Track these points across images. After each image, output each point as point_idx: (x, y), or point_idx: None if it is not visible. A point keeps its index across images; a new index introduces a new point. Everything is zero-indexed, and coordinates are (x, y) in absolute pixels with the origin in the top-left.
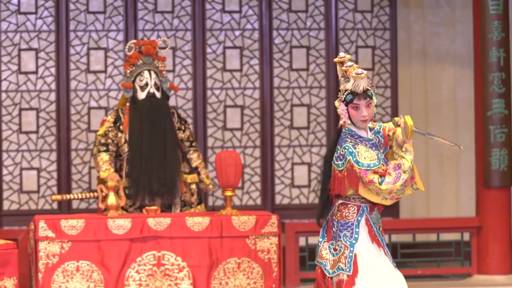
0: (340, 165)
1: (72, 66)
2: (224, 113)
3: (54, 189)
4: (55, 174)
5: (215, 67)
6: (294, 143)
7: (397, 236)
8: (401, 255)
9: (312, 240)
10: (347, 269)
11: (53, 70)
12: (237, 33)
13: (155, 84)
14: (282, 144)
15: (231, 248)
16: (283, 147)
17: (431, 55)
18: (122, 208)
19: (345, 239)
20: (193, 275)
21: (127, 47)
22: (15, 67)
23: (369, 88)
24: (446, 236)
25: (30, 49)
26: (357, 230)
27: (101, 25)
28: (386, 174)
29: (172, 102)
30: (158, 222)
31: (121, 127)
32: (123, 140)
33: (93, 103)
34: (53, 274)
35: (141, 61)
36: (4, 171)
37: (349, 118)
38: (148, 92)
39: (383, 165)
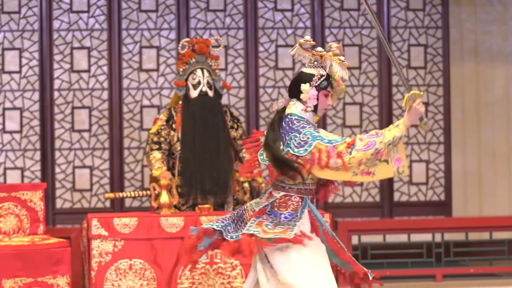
0: (302, 151)
1: (124, 64)
2: None
3: (107, 187)
4: (107, 173)
5: (267, 65)
6: None
7: (449, 234)
8: (454, 254)
9: (365, 238)
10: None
11: (105, 68)
12: (289, 31)
13: (208, 82)
14: None
15: None
16: None
17: (483, 53)
18: (175, 206)
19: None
20: (246, 273)
21: (180, 45)
22: (67, 66)
23: None
24: (499, 235)
25: (82, 47)
26: (301, 221)
27: (153, 23)
28: (357, 139)
29: (224, 100)
30: (211, 220)
31: (173, 125)
32: (175, 139)
33: (145, 102)
34: (106, 272)
35: (194, 60)
36: (57, 170)
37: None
38: (201, 90)
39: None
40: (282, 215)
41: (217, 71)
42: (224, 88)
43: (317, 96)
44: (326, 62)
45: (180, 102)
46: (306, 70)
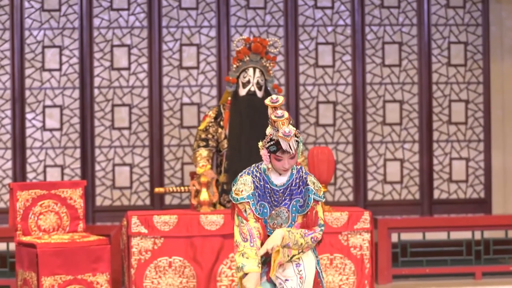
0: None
1: (164, 62)
2: (317, 109)
3: (147, 185)
4: (147, 170)
5: (307, 63)
6: (386, 139)
7: (489, 232)
8: (494, 252)
9: (405, 236)
10: None
11: (145, 66)
12: (330, 29)
13: (258, 83)
14: (375, 140)
15: (323, 244)
16: (375, 143)
17: None
18: (220, 203)
19: None
20: None
21: (236, 41)
22: (107, 63)
23: (297, 141)
24: None
25: (122, 45)
26: None
27: (193, 21)
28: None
29: None
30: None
31: (221, 122)
32: (223, 136)
33: (185, 99)
34: (145, 269)
35: (248, 58)
36: (97, 167)
37: (270, 163)
38: (249, 90)
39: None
40: None
41: (271, 72)
42: (275, 90)
43: (269, 156)
44: (278, 127)
45: (229, 99)
46: (268, 127)
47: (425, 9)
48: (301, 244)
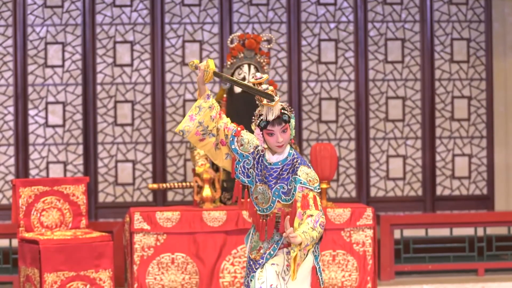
0: None
1: (167, 58)
2: (319, 105)
3: (149, 181)
4: (150, 167)
5: (310, 59)
6: (389, 136)
7: (492, 228)
8: (496, 248)
9: (407, 232)
10: None
11: (148, 62)
12: (332, 25)
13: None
14: (377, 137)
15: (325, 240)
16: (378, 139)
17: None
18: (220, 201)
19: None
20: None
21: (230, 39)
22: (110, 60)
23: (285, 112)
24: None
25: (125, 41)
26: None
27: (196, 17)
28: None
29: None
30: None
31: None
32: None
33: (188, 96)
34: (148, 266)
35: (242, 55)
36: (100, 164)
37: (265, 142)
38: None
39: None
40: None
41: (265, 68)
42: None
43: (262, 135)
44: (262, 102)
45: (225, 96)
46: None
47: (428, 5)
48: (316, 237)
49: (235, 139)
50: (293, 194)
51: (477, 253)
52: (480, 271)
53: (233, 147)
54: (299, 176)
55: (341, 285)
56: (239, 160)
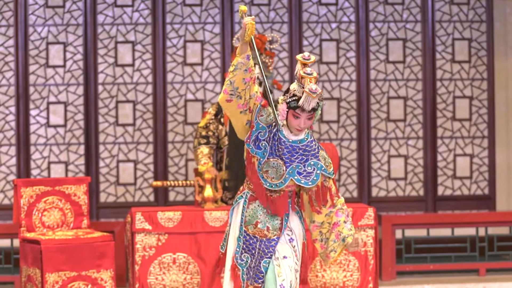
0: None
1: (168, 58)
2: None
3: (151, 181)
4: (151, 167)
5: None
6: (390, 136)
7: (493, 228)
8: (498, 248)
9: (409, 232)
10: None
11: (149, 62)
12: (334, 25)
13: (257, 78)
14: (379, 137)
15: None
16: (379, 139)
17: None
18: (222, 200)
19: None
20: None
21: (234, 39)
22: (111, 60)
23: (319, 105)
24: None
25: (126, 41)
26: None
27: (197, 17)
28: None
29: None
30: None
31: (222, 119)
32: (223, 133)
33: (189, 96)
34: (149, 266)
35: None
36: (101, 164)
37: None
38: None
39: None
40: None
41: (271, 68)
42: (275, 86)
43: (287, 112)
44: (304, 84)
45: None
46: (294, 83)
47: (429, 5)
48: (354, 230)
49: (260, 108)
50: (312, 178)
51: (479, 253)
52: (482, 271)
53: (255, 115)
54: (321, 162)
55: (342, 285)
56: (254, 130)
